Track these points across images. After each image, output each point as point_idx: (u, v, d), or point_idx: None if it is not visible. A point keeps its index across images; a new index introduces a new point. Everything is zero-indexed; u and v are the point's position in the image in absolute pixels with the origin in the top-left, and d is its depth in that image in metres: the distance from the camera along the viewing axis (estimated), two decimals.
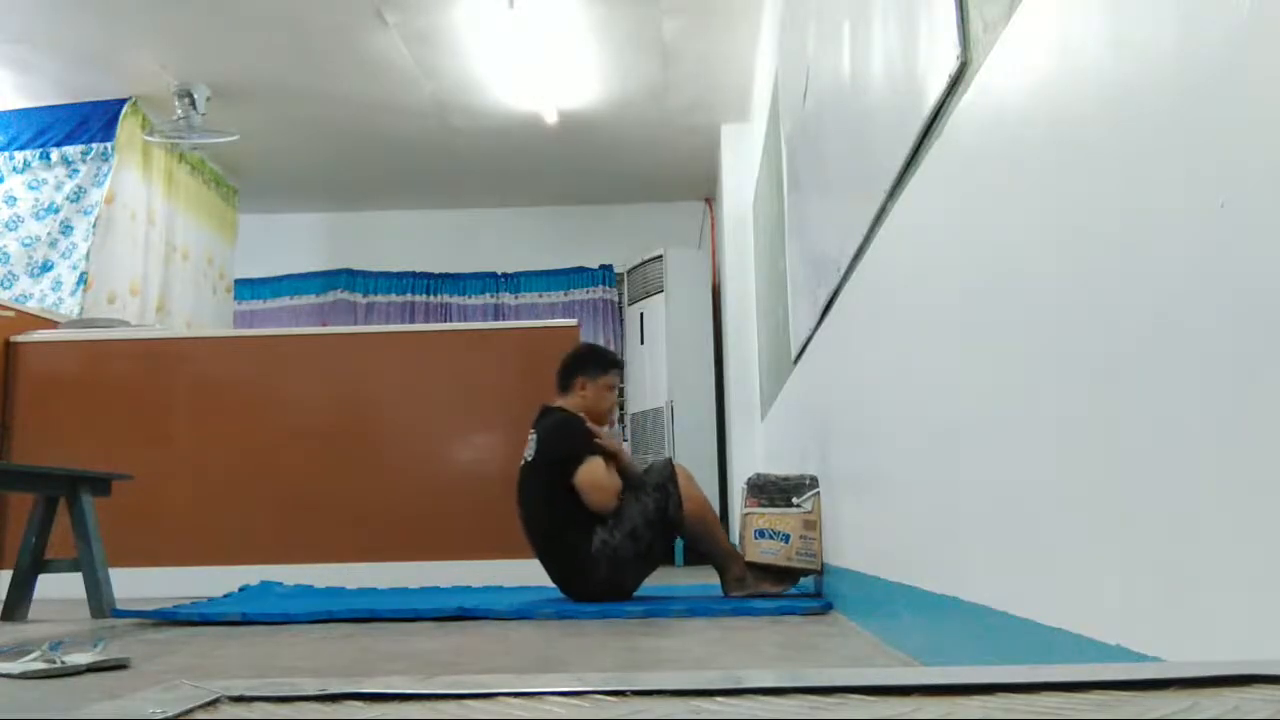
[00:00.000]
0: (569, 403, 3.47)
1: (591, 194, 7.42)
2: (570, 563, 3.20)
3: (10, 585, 3.18)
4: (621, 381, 3.61)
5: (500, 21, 4.88)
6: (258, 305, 7.62)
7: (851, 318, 2.45)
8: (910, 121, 1.66)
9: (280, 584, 3.97)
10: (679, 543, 3.65)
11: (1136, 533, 0.91)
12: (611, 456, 3.30)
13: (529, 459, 3.35)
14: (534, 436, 3.38)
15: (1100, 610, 0.99)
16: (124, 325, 4.80)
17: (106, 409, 4.41)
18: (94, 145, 5.44)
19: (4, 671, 1.78)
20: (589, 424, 3.36)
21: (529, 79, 5.51)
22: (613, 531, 3.17)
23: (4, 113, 5.56)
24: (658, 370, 6.70)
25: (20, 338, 4.44)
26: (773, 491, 3.14)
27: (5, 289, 5.12)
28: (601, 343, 7.38)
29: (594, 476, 3.22)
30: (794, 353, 3.64)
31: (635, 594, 3.28)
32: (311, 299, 7.61)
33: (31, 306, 4.81)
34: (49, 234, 5.27)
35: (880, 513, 2.18)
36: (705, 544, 3.27)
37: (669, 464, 3.33)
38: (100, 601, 3.13)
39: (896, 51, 1.82)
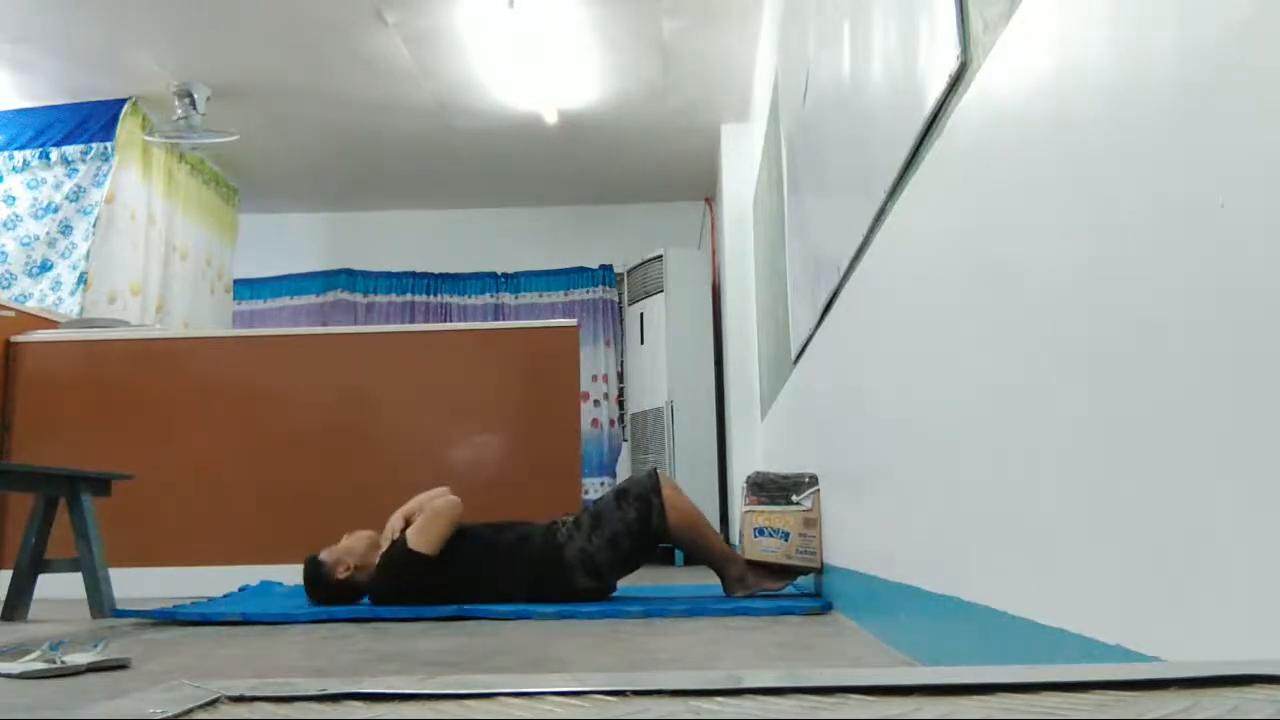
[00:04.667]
0: (369, 574, 3.23)
1: (591, 194, 7.42)
2: (547, 571, 3.13)
3: (10, 585, 3.18)
4: (336, 545, 3.30)
5: (500, 21, 4.88)
6: (258, 305, 7.62)
7: (851, 318, 2.45)
8: (910, 121, 1.66)
9: (280, 584, 3.96)
10: None
11: (1136, 533, 0.91)
12: (405, 524, 3.19)
13: (433, 590, 3.10)
14: (412, 593, 3.11)
15: (1100, 610, 0.99)
16: (124, 325, 4.80)
17: (106, 409, 4.41)
18: (94, 145, 5.44)
19: (4, 671, 1.78)
20: (375, 557, 3.20)
21: (529, 79, 5.51)
22: (590, 537, 3.15)
23: (4, 113, 5.55)
24: (658, 370, 6.70)
25: (20, 338, 4.44)
26: (772, 489, 3.14)
27: (4, 289, 5.12)
28: (601, 343, 7.39)
29: (420, 533, 3.09)
30: (794, 353, 3.64)
31: (628, 593, 3.28)
32: (311, 299, 7.60)
33: (31, 306, 4.81)
34: (47, 233, 5.26)
35: (880, 513, 2.18)
36: (699, 551, 3.22)
37: (652, 474, 3.26)
38: (100, 601, 3.13)
39: (896, 51, 1.82)
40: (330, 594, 3.19)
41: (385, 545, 3.18)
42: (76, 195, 5.34)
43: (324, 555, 3.23)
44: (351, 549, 3.23)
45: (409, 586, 3.11)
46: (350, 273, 7.62)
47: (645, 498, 3.17)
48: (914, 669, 1.31)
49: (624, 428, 7.32)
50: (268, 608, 3.05)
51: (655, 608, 2.80)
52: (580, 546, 3.13)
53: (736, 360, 5.98)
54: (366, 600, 3.21)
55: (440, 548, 3.10)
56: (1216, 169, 0.77)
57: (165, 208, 5.91)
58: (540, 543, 3.18)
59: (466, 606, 2.90)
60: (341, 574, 3.18)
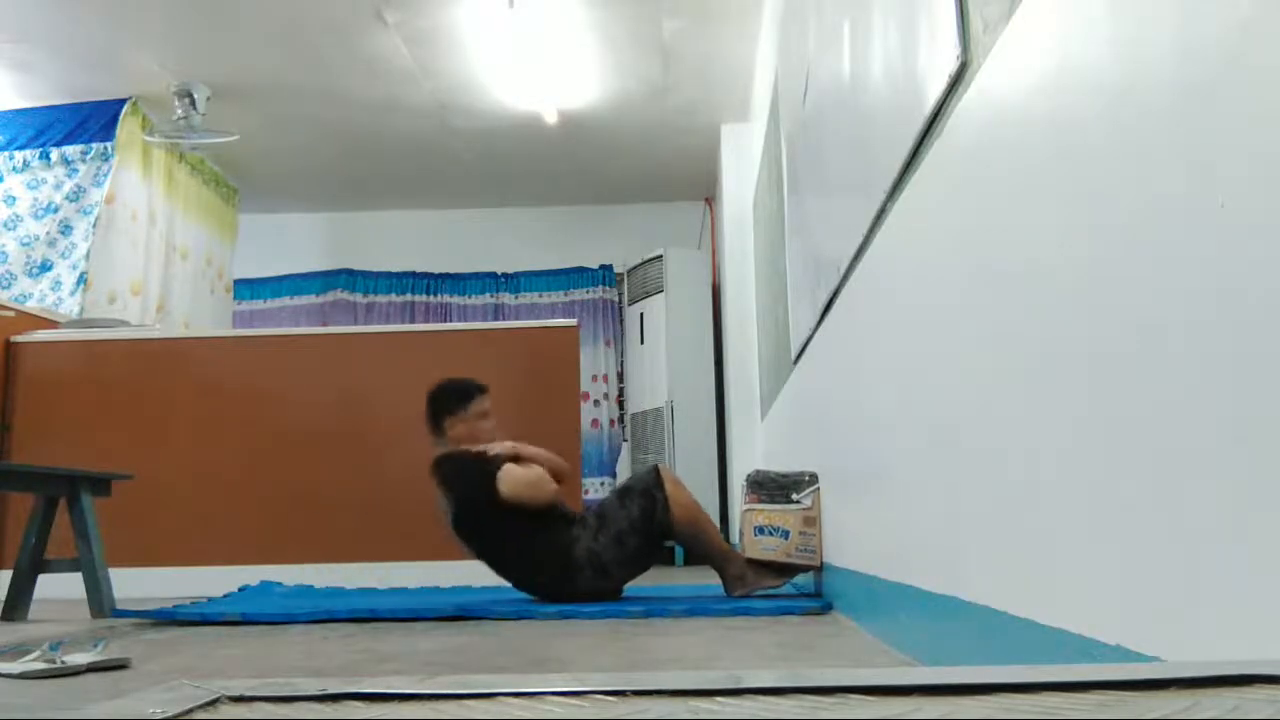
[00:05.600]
0: (449, 444, 3.37)
1: (591, 194, 7.42)
2: (557, 567, 3.18)
3: (10, 585, 3.18)
4: (488, 405, 3.44)
5: (500, 21, 4.88)
6: (258, 305, 7.62)
7: (851, 318, 2.45)
8: (910, 121, 1.66)
9: (280, 584, 3.97)
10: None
11: (1136, 533, 0.91)
12: (513, 459, 3.27)
13: (454, 513, 3.27)
14: (441, 493, 3.29)
15: (1100, 610, 0.99)
16: (124, 325, 4.80)
17: (106, 409, 4.41)
18: (94, 145, 5.43)
19: (4, 671, 1.78)
20: (473, 449, 3.31)
21: (529, 79, 5.51)
22: (597, 536, 3.17)
23: (4, 113, 5.55)
24: (658, 370, 6.70)
25: (20, 338, 4.44)
26: (772, 488, 3.14)
27: (4, 289, 5.12)
28: (601, 343, 7.38)
29: (516, 481, 3.20)
30: (794, 353, 3.64)
31: (628, 593, 3.28)
32: (311, 299, 7.60)
33: (31, 306, 4.81)
34: (47, 234, 5.26)
35: (880, 512, 2.18)
36: (700, 547, 3.25)
37: (654, 470, 3.28)
38: (100, 601, 3.13)
39: (896, 51, 1.82)
40: (433, 417, 3.41)
41: (478, 451, 3.30)
42: (76, 195, 5.34)
43: (462, 424, 3.37)
44: (477, 442, 3.35)
45: (464, 488, 3.25)
46: (350, 273, 7.61)
47: (648, 493, 3.19)
48: (914, 669, 1.31)
49: (624, 428, 7.32)
50: (267, 608, 3.05)
51: (655, 608, 2.80)
52: (587, 546, 3.16)
53: (736, 360, 5.98)
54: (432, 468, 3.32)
55: (511, 505, 3.19)
56: (1216, 169, 0.77)
57: (165, 208, 5.90)
58: (551, 542, 3.20)
59: (466, 606, 2.90)
60: (451, 429, 3.37)
